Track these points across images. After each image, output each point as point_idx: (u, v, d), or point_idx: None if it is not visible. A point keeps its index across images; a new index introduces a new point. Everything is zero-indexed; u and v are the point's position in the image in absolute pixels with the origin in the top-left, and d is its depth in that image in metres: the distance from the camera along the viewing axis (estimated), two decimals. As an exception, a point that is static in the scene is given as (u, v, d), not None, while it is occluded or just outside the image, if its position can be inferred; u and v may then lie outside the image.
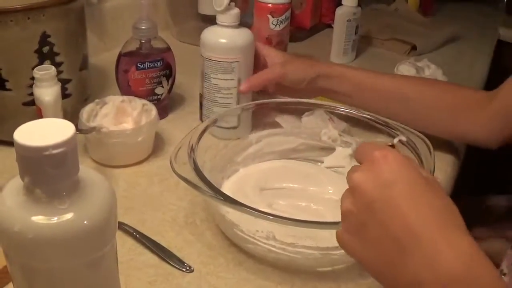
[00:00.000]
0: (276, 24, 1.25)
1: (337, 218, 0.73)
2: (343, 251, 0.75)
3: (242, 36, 1.03)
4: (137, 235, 0.82)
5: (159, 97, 1.12)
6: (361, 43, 1.60)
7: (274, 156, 1.02)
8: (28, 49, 0.94)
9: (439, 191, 0.57)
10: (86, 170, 0.50)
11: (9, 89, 0.95)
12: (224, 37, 1.03)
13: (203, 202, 0.90)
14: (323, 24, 1.79)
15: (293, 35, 1.53)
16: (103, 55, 1.35)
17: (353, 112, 0.99)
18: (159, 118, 1.03)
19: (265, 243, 0.77)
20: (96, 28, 1.39)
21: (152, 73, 1.09)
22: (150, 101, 1.05)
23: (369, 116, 0.98)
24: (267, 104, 1.04)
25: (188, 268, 0.78)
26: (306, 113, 1.03)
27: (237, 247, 0.82)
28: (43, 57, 0.95)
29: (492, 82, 1.52)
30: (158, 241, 0.82)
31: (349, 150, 0.99)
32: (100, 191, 0.49)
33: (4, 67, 0.94)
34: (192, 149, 0.84)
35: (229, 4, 1.00)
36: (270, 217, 0.73)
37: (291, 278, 0.78)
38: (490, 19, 2.06)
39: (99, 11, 1.40)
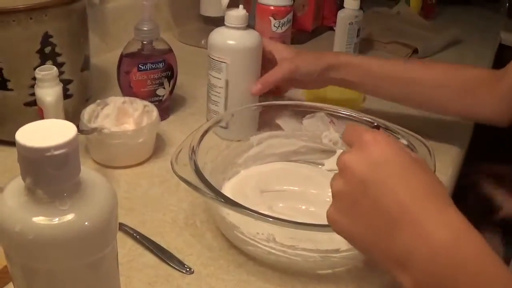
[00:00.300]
0: (278, 26, 1.25)
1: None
2: (343, 254, 0.76)
3: (236, 38, 1.04)
4: (138, 236, 0.82)
5: (160, 98, 1.12)
6: (363, 46, 1.60)
7: (275, 158, 1.02)
8: (30, 49, 0.94)
9: (426, 169, 0.60)
10: (88, 171, 0.50)
11: (11, 89, 0.95)
12: (218, 36, 1.05)
13: (203, 203, 0.90)
14: (325, 26, 1.79)
15: (295, 38, 1.53)
16: (105, 56, 1.35)
17: (354, 115, 0.99)
18: (160, 119, 1.03)
19: (265, 245, 0.77)
20: (98, 29, 1.39)
21: (154, 74, 1.09)
22: (151, 102, 1.05)
23: (369, 119, 0.97)
24: (268, 106, 1.04)
25: (188, 269, 0.78)
26: (307, 116, 1.03)
27: (237, 249, 0.82)
28: (45, 57, 0.95)
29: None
30: (159, 242, 0.82)
31: (350, 153, 0.99)
32: (101, 192, 0.49)
33: (6, 67, 0.94)
34: (193, 151, 0.84)
35: (227, 5, 1.01)
36: (271, 219, 0.73)
37: (291, 280, 0.78)
38: (492, 23, 2.07)
39: (101, 12, 1.40)
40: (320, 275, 0.80)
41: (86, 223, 0.47)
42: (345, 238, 0.63)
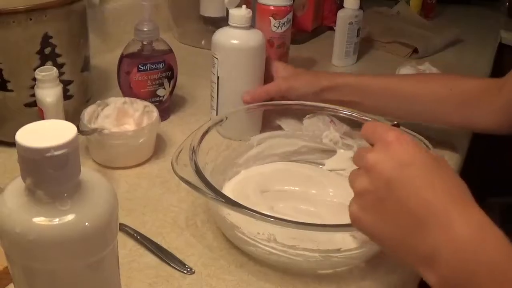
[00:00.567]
0: (278, 26, 1.25)
1: (338, 220, 0.73)
2: (344, 253, 0.76)
3: (227, 36, 1.05)
4: (138, 237, 0.82)
5: (160, 98, 1.12)
6: (363, 45, 1.60)
7: (276, 158, 1.02)
8: (30, 50, 0.94)
9: (449, 170, 0.61)
10: (88, 171, 0.50)
11: (11, 90, 0.95)
12: (217, 32, 1.08)
13: (204, 204, 0.90)
14: (325, 26, 1.79)
15: (295, 38, 1.53)
16: (105, 56, 1.35)
17: (354, 114, 0.99)
18: (161, 119, 1.03)
19: (266, 245, 0.77)
20: (98, 30, 1.39)
21: (154, 74, 1.09)
22: (151, 102, 1.05)
23: (371, 119, 0.97)
24: (269, 106, 1.04)
25: (189, 270, 0.78)
26: (308, 116, 1.03)
27: (238, 249, 0.82)
28: (45, 58, 0.95)
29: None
30: (159, 243, 0.82)
31: (350, 153, 0.99)
32: (101, 193, 0.49)
33: (6, 68, 0.94)
34: (193, 151, 0.84)
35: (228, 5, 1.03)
36: (271, 219, 0.73)
37: (292, 280, 0.78)
38: (492, 22, 2.06)
39: (101, 13, 1.40)
40: (321, 275, 0.80)
41: (87, 223, 0.47)
42: (368, 235, 0.63)
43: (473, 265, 0.55)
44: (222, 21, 1.57)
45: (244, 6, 1.03)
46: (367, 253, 0.79)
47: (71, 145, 0.44)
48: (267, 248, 0.77)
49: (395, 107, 1.06)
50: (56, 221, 0.45)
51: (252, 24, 1.05)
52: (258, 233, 0.77)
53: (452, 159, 1.10)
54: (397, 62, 1.49)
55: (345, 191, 0.91)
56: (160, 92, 1.11)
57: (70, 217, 0.46)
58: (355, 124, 1.00)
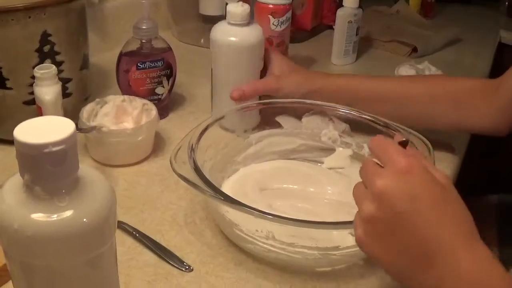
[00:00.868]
0: (277, 25, 1.25)
1: (337, 218, 0.73)
2: (343, 251, 0.76)
3: (222, 32, 1.07)
4: (137, 234, 0.83)
5: (159, 96, 1.12)
6: (362, 44, 1.60)
7: (274, 156, 1.02)
8: (28, 48, 0.94)
9: (457, 202, 0.61)
10: (86, 168, 0.50)
11: (10, 88, 0.95)
12: (213, 28, 1.10)
13: (203, 201, 0.90)
14: (324, 25, 1.78)
15: (294, 36, 1.53)
16: (104, 54, 1.35)
17: (353, 113, 0.99)
18: (160, 117, 1.03)
19: (264, 243, 0.77)
20: (97, 28, 1.39)
21: (153, 73, 1.09)
22: (150, 100, 1.05)
23: (369, 117, 0.97)
24: (267, 104, 1.04)
25: (187, 267, 0.78)
26: (307, 114, 1.03)
27: (237, 247, 0.82)
28: (43, 56, 0.95)
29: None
30: (158, 240, 0.82)
31: (349, 151, 0.99)
32: (99, 189, 0.49)
33: (5, 66, 0.94)
34: (192, 149, 0.84)
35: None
36: (270, 216, 0.73)
37: (291, 278, 0.78)
38: (491, 22, 2.06)
39: (100, 11, 1.40)
40: (319, 273, 0.80)
41: (85, 219, 0.47)
42: (373, 260, 0.63)
43: None
44: (221, 20, 1.58)
45: (240, 3, 1.03)
46: (366, 251, 0.79)
47: (69, 141, 0.44)
48: (265, 246, 0.77)
49: (386, 110, 1.03)
50: (54, 217, 0.45)
51: (250, 21, 1.05)
52: (257, 231, 0.77)
53: (451, 159, 1.10)
54: (396, 61, 1.49)
55: (343, 189, 0.92)
56: (159, 90, 1.11)
57: (68, 213, 0.46)
58: (353, 123, 1.00)
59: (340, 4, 1.51)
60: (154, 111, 1.01)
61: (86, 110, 0.99)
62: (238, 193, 0.88)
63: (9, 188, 0.48)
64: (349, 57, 1.54)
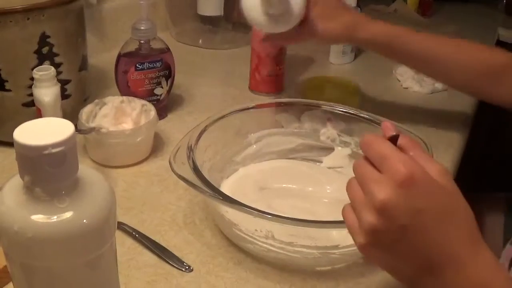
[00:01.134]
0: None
1: (336, 217, 0.73)
2: (342, 250, 0.76)
3: None
4: (137, 235, 0.83)
5: (158, 97, 1.12)
6: (360, 43, 1.60)
7: (273, 156, 1.02)
8: (27, 49, 0.94)
9: (459, 204, 0.60)
10: (85, 169, 0.50)
11: (9, 90, 0.96)
12: None
13: (202, 202, 0.91)
14: (322, 24, 1.78)
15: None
16: (103, 55, 1.35)
17: (351, 112, 0.99)
18: (158, 118, 1.03)
19: (264, 243, 0.77)
20: (96, 29, 1.39)
21: (151, 73, 1.09)
22: (149, 101, 1.05)
23: (367, 116, 0.98)
24: (266, 104, 1.04)
25: (187, 267, 0.78)
26: (305, 113, 1.03)
27: (236, 247, 0.82)
28: (42, 57, 0.95)
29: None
30: (158, 241, 0.82)
31: (348, 150, 0.99)
32: (99, 190, 0.50)
33: (4, 68, 0.94)
34: (191, 149, 0.84)
35: None
36: (269, 216, 0.73)
37: (290, 277, 0.78)
38: (489, 20, 2.06)
39: (98, 12, 1.40)
40: (319, 272, 0.80)
41: (85, 220, 0.47)
42: (381, 268, 0.63)
43: None
44: (219, 20, 1.58)
45: None
46: (365, 250, 0.79)
47: (68, 142, 0.45)
48: (265, 245, 0.77)
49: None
50: (54, 218, 0.46)
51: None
52: (256, 230, 0.77)
53: (449, 158, 1.10)
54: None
55: (342, 188, 0.92)
56: (158, 91, 1.12)
57: (68, 214, 0.46)
58: (352, 122, 1.00)
59: (338, 4, 1.51)
60: (153, 112, 1.01)
61: (85, 111, 0.99)
62: (237, 193, 0.88)
63: (9, 189, 0.48)
64: (348, 57, 1.54)
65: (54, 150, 0.44)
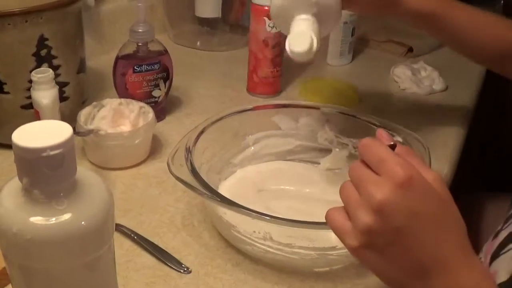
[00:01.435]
0: (273, 26, 1.25)
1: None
2: (340, 251, 0.77)
3: None
4: (135, 237, 0.83)
5: (156, 99, 1.12)
6: (358, 44, 1.60)
7: (271, 157, 1.02)
8: (25, 52, 0.94)
9: (453, 212, 0.60)
10: (84, 171, 0.50)
11: (7, 92, 0.96)
12: None
13: (200, 203, 0.91)
14: (319, 26, 1.79)
15: (290, 38, 1.53)
16: (101, 58, 1.36)
17: (349, 113, 1.00)
18: (157, 120, 1.04)
19: (262, 244, 0.77)
20: (94, 31, 1.39)
21: (149, 75, 1.09)
22: (147, 103, 1.05)
23: (365, 118, 0.98)
24: (264, 106, 1.04)
25: (185, 269, 0.78)
26: (303, 115, 1.03)
27: (235, 248, 0.82)
28: (40, 60, 0.95)
29: (489, 84, 1.53)
30: (156, 243, 0.82)
31: (345, 152, 0.99)
32: (97, 192, 0.50)
33: (2, 70, 0.94)
34: (189, 151, 0.84)
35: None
36: (267, 217, 0.73)
37: (289, 278, 0.79)
38: (487, 21, 2.07)
39: (96, 15, 1.40)
40: (317, 273, 0.80)
41: (83, 222, 0.47)
42: (367, 268, 0.63)
43: None
44: (217, 22, 1.59)
45: None
46: (363, 251, 0.79)
47: (67, 144, 0.45)
48: (263, 247, 0.78)
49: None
50: (53, 220, 0.46)
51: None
52: (254, 232, 0.77)
53: (447, 158, 1.10)
54: (392, 61, 1.49)
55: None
56: (156, 93, 1.12)
57: (66, 216, 0.46)
58: (350, 123, 1.00)
59: (335, 5, 1.51)
60: (151, 114, 1.01)
61: (84, 113, 0.99)
62: (235, 194, 0.89)
63: (7, 192, 0.48)
64: (345, 58, 1.54)
65: (52, 153, 0.44)
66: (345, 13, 1.47)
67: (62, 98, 0.98)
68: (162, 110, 1.16)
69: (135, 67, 1.08)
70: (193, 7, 1.57)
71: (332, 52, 1.53)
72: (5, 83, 0.95)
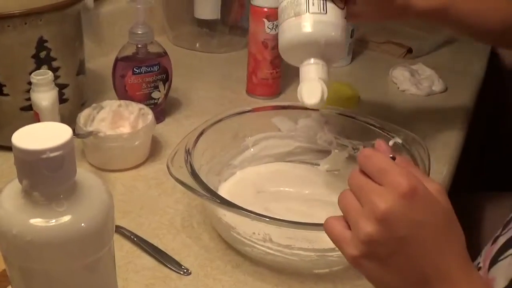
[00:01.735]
0: (272, 28, 1.25)
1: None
2: (340, 253, 0.76)
3: None
4: (135, 239, 0.83)
5: (155, 101, 1.12)
6: (357, 46, 1.60)
7: (271, 159, 1.02)
8: (25, 54, 0.94)
9: (454, 223, 0.60)
10: (83, 173, 0.50)
11: (6, 94, 0.96)
12: None
13: (200, 205, 0.91)
14: (319, 28, 1.79)
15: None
16: (100, 60, 1.36)
17: (348, 115, 1.00)
18: (156, 122, 1.04)
19: (262, 246, 0.77)
20: (93, 33, 1.39)
21: (149, 77, 1.09)
22: (147, 105, 1.05)
23: (365, 119, 0.98)
24: (263, 107, 1.04)
25: (185, 271, 0.78)
26: (302, 116, 1.03)
27: (234, 250, 0.83)
28: (40, 62, 0.95)
29: (488, 85, 1.53)
30: (156, 244, 0.82)
31: (345, 153, 0.99)
32: (97, 194, 0.50)
33: (1, 72, 0.94)
34: (188, 153, 0.84)
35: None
36: (267, 219, 0.74)
37: (288, 280, 0.79)
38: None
39: (95, 17, 1.40)
40: (317, 275, 0.80)
41: (83, 224, 0.47)
42: (370, 281, 0.62)
43: None
44: (216, 24, 1.59)
45: None
46: (362, 252, 0.79)
47: (66, 146, 0.45)
48: (263, 248, 0.78)
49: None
50: (53, 222, 0.46)
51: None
52: (254, 233, 0.77)
53: (447, 158, 1.10)
54: (391, 62, 1.50)
55: (340, 191, 0.92)
56: (155, 94, 1.12)
57: (66, 218, 0.46)
58: (349, 125, 1.00)
59: (334, 7, 1.51)
60: (150, 116, 1.01)
61: (83, 115, 0.99)
62: (235, 196, 0.89)
63: (7, 194, 0.48)
64: (344, 59, 1.54)
65: (52, 154, 0.44)
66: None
67: (62, 100, 0.98)
68: (161, 111, 1.16)
69: (134, 69, 1.08)
70: (192, 9, 1.57)
71: (331, 53, 1.53)
72: (5, 85, 0.95)
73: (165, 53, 1.13)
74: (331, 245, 0.76)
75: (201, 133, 0.90)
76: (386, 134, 0.94)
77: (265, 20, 1.23)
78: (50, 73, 0.89)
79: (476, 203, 1.27)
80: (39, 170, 0.44)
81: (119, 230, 0.84)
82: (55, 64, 0.98)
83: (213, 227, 0.86)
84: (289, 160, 1.03)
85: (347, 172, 0.95)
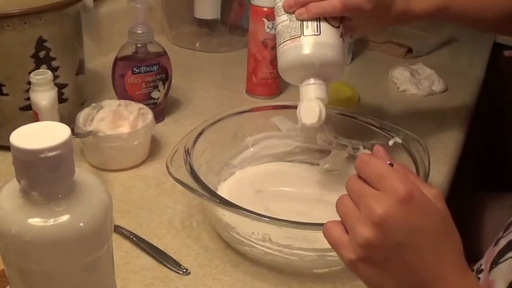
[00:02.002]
0: (272, 27, 1.25)
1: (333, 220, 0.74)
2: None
3: None
4: (134, 238, 0.83)
5: (155, 101, 1.12)
6: (357, 46, 1.60)
7: (270, 159, 1.02)
8: (24, 53, 0.94)
9: (451, 229, 0.61)
10: (82, 172, 0.50)
11: (6, 94, 0.96)
12: None
13: (199, 205, 0.91)
14: (319, 27, 1.78)
15: (289, 39, 1.53)
16: (99, 59, 1.36)
17: (348, 114, 1.00)
18: (156, 122, 1.04)
19: (261, 245, 0.77)
20: (92, 33, 1.39)
21: (148, 77, 1.09)
22: (146, 105, 1.05)
23: (364, 119, 0.98)
24: (263, 107, 1.04)
25: (184, 270, 0.78)
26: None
27: (234, 250, 0.82)
28: (39, 61, 0.95)
29: (488, 85, 1.53)
30: (155, 244, 0.82)
31: (344, 153, 0.99)
32: (95, 193, 0.50)
33: (1, 72, 0.94)
34: (188, 153, 0.84)
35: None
36: (266, 219, 0.73)
37: (288, 279, 0.78)
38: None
39: (95, 16, 1.40)
40: (316, 274, 0.80)
41: (81, 223, 0.47)
42: (367, 284, 0.62)
43: None
44: (216, 23, 1.59)
45: None
46: (362, 252, 0.79)
47: (65, 146, 0.45)
48: (262, 248, 0.78)
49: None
50: (51, 221, 0.46)
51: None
52: (253, 233, 0.77)
53: (447, 159, 1.10)
54: (391, 62, 1.50)
55: (339, 191, 0.92)
56: (155, 94, 1.12)
57: (65, 217, 0.46)
58: (349, 124, 1.00)
59: (334, 7, 1.51)
60: (150, 116, 1.01)
61: (82, 115, 0.99)
62: (234, 196, 0.88)
63: (6, 193, 0.48)
64: (344, 59, 1.54)
65: (50, 154, 0.44)
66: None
67: (61, 99, 0.98)
68: (161, 111, 1.16)
69: (134, 69, 1.08)
70: (192, 9, 1.57)
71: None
72: (4, 85, 0.95)
73: (165, 52, 1.13)
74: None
75: (201, 133, 0.90)
76: (386, 134, 0.94)
77: (265, 20, 1.23)
78: (50, 72, 0.89)
79: (476, 203, 1.27)
80: (38, 169, 0.44)
81: (118, 229, 0.84)
82: (54, 63, 0.98)
83: (213, 227, 0.86)
84: (289, 160, 1.03)
85: (347, 172, 0.95)
